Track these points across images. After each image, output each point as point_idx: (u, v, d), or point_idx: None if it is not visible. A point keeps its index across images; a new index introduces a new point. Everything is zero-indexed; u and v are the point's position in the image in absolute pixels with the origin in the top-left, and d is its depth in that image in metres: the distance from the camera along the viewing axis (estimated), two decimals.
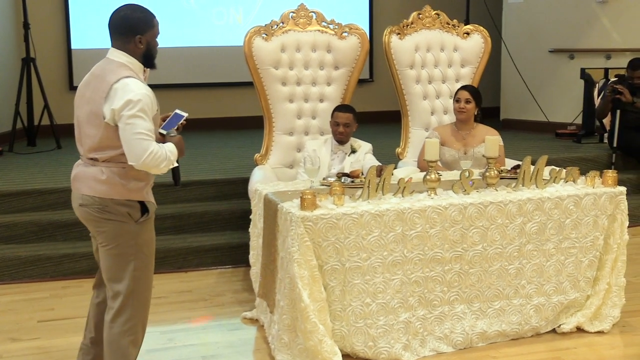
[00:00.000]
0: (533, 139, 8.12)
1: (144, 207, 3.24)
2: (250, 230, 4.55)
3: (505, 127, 9.03)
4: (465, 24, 6.00)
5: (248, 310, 4.55)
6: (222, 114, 9.46)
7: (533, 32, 8.71)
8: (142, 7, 3.28)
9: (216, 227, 5.74)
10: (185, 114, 3.36)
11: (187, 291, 5.04)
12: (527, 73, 8.62)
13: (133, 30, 3.19)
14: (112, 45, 3.24)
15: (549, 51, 8.55)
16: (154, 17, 3.28)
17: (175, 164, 3.28)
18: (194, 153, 7.43)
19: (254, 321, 4.44)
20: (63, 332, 4.36)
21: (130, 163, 3.11)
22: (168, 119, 3.36)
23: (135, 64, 3.23)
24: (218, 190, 6.01)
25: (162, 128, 3.31)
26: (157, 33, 3.28)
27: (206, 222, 5.76)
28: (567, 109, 8.40)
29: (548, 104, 8.53)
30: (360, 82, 9.83)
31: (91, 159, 3.21)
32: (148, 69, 3.33)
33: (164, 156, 3.13)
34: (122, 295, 3.24)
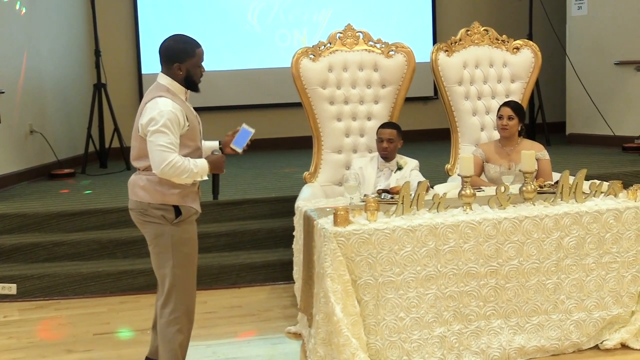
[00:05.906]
0: (599, 153, 7.95)
1: (178, 211, 3.60)
2: (293, 246, 4.66)
3: (571, 141, 8.90)
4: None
5: (293, 325, 4.64)
6: (283, 134, 9.67)
7: (598, 45, 8.55)
8: (186, 37, 3.66)
9: (269, 244, 5.87)
10: (252, 130, 3.79)
11: (237, 306, 5.18)
12: (592, 87, 8.44)
13: (173, 59, 3.61)
14: (161, 70, 3.67)
15: (615, 64, 8.38)
16: (197, 47, 3.64)
17: (204, 178, 3.65)
18: (253, 173, 7.63)
19: (297, 335, 4.53)
20: (115, 344, 4.57)
21: (153, 171, 3.52)
22: (237, 134, 3.80)
23: (176, 86, 3.64)
24: (272, 208, 6.13)
25: (233, 144, 3.78)
26: (199, 61, 3.65)
27: (260, 239, 5.90)
28: (634, 123, 8.19)
29: (614, 118, 8.34)
30: (425, 99, 9.96)
31: (136, 168, 3.68)
32: (189, 91, 3.72)
33: (186, 168, 3.51)
34: (166, 289, 3.63)
